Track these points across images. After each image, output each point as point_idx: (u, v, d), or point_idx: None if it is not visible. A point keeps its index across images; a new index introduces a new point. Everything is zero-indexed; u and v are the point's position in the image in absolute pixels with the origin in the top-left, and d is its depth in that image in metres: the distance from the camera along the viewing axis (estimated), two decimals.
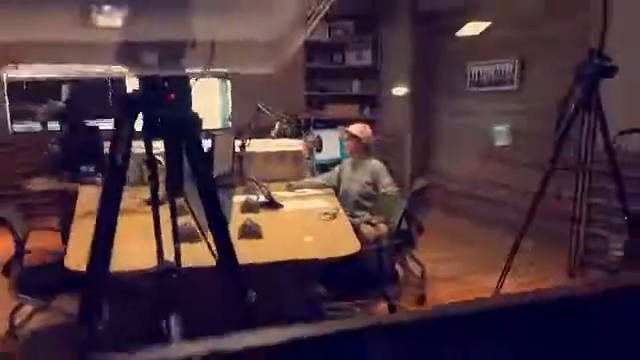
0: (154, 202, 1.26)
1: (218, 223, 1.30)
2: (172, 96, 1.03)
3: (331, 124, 4.88)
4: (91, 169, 3.72)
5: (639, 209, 2.85)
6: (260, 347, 0.68)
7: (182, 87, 1.05)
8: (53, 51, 1.24)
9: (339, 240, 2.42)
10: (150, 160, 1.24)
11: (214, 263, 1.30)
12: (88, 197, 3.14)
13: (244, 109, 4.11)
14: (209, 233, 1.26)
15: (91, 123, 4.23)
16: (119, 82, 5.27)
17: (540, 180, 2.86)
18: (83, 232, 2.55)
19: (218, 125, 5.72)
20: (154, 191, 1.25)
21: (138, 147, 1.34)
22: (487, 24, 3.74)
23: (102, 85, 5.49)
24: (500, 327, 0.77)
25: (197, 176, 1.26)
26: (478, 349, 0.74)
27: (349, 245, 2.32)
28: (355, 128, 3.35)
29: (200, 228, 1.35)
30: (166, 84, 1.03)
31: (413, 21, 5.40)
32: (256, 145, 3.63)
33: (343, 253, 2.24)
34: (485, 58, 4.67)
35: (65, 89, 4.95)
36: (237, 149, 3.51)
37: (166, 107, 1.04)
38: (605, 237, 3.39)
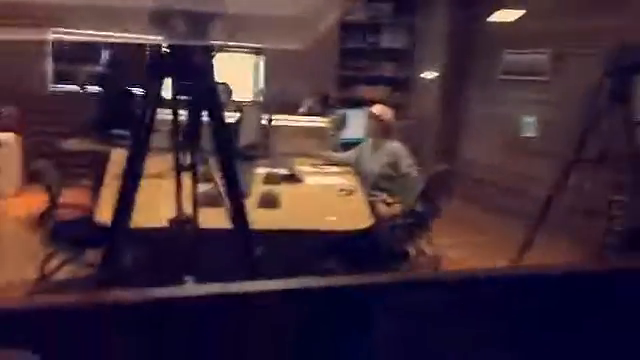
0: (177, 159, 1.36)
1: (234, 190, 1.39)
2: (196, 62, 1.11)
3: (361, 104, 4.91)
4: (124, 132, 3.86)
5: None
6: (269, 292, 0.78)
7: (207, 55, 1.12)
8: (93, 15, 1.34)
9: (353, 214, 2.50)
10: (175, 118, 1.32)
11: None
12: (119, 159, 3.28)
13: (276, 84, 4.18)
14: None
15: (127, 88, 4.38)
16: (157, 50, 5.39)
17: (561, 171, 2.86)
18: (113, 190, 2.70)
19: (249, 97, 5.81)
20: (177, 148, 1.34)
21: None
22: (521, 12, 3.69)
23: (140, 52, 5.62)
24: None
25: (217, 143, 1.35)
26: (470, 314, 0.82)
27: (363, 219, 2.39)
28: (377, 109, 3.40)
29: (221, 194, 1.44)
30: (194, 51, 1.11)
31: (450, 5, 5.35)
32: (283, 120, 3.72)
33: (356, 226, 2.32)
34: (520, 47, 4.61)
35: (105, 54, 5.11)
36: (264, 122, 3.60)
37: (191, 72, 1.12)
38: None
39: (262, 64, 5.76)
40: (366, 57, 6.07)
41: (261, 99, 5.79)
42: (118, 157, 3.39)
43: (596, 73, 2.89)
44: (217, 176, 1.59)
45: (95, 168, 3.75)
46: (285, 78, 3.60)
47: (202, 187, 1.65)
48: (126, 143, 3.92)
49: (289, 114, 3.77)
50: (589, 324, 0.87)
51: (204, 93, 1.20)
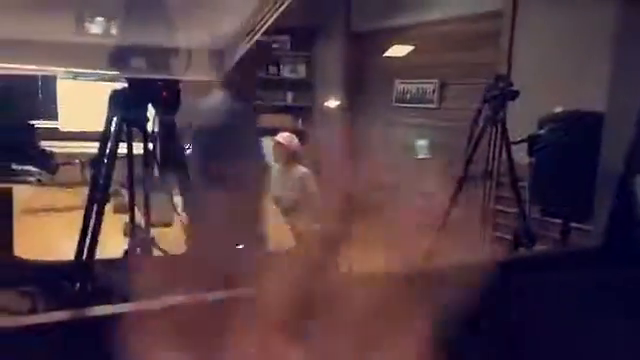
0: (131, 187, 1.43)
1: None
2: (164, 94, 1.22)
3: (265, 133, 5.09)
4: (25, 168, 3.69)
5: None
6: None
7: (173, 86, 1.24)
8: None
9: (277, 235, 2.65)
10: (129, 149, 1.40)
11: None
12: (25, 196, 3.16)
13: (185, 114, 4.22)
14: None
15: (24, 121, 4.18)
16: (50, 82, 5.19)
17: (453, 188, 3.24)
18: (27, 227, 2.62)
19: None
20: (131, 175, 1.42)
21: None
22: (411, 48, 4.16)
23: (32, 84, 5.37)
24: None
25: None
26: None
27: (288, 241, 2.55)
28: (281, 137, 3.60)
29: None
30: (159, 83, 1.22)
31: (346, 40, 5.77)
32: None
33: (282, 247, 2.47)
34: (410, 77, 5.11)
35: None
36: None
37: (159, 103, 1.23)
38: (509, 240, 3.85)
39: None
40: (267, 87, 6.30)
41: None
42: (22, 194, 3.25)
43: (476, 100, 3.35)
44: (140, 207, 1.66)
45: None
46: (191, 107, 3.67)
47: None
48: (25, 179, 3.75)
49: None
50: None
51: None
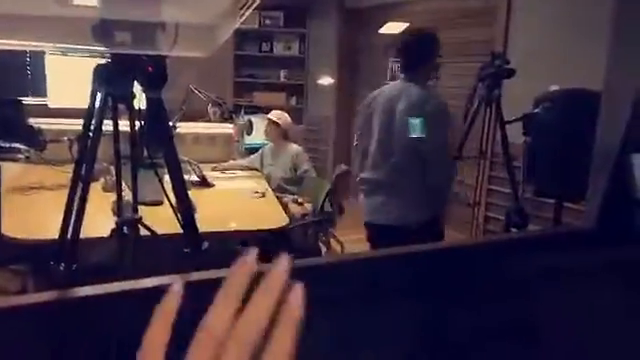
0: (118, 164, 1.40)
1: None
2: (150, 69, 1.18)
3: (259, 110, 5.05)
4: (13, 145, 3.63)
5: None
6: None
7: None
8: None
9: (269, 215, 2.64)
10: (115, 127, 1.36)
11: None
12: (12, 173, 3.12)
13: (175, 92, 4.17)
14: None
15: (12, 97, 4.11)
16: (39, 59, 5.09)
17: None
18: (15, 205, 2.58)
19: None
20: (117, 152, 1.38)
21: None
22: (405, 25, 4.09)
23: (21, 61, 5.28)
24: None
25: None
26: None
27: (279, 219, 2.54)
28: (274, 114, 3.59)
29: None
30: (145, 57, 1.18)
31: (339, 16, 5.68)
32: (187, 126, 3.74)
33: (273, 226, 2.46)
34: None
35: None
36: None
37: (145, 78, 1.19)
38: (502, 220, 3.85)
39: None
40: (260, 64, 6.22)
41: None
42: (9, 172, 3.21)
43: (471, 79, 3.30)
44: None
45: None
46: (184, 85, 3.62)
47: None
48: (15, 157, 3.70)
49: (193, 121, 3.80)
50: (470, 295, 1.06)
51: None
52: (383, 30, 4.44)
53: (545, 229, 2.69)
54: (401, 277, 0.99)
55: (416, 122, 2.40)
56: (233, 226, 2.42)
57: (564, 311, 1.12)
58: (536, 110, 2.56)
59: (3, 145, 3.62)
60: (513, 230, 2.88)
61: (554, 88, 2.77)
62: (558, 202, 2.63)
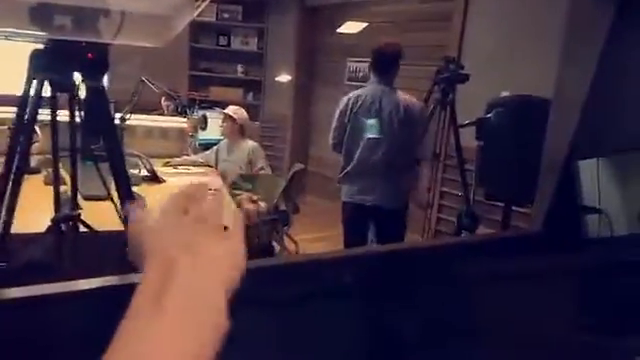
0: (55, 156, 1.32)
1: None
2: (90, 55, 1.11)
3: (215, 105, 4.95)
4: None
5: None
6: None
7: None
8: None
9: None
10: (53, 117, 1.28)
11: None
12: None
13: (126, 83, 4.03)
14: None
15: None
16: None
17: None
18: None
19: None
20: (55, 144, 1.30)
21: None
22: (364, 25, 4.11)
23: None
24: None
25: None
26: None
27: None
28: (230, 109, 3.52)
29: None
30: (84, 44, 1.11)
31: (299, 13, 5.64)
32: (138, 119, 3.61)
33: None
34: (362, 56, 5.05)
35: None
36: (117, 121, 3.46)
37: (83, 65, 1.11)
38: (453, 221, 3.92)
39: None
40: (217, 58, 6.10)
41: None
42: None
43: (427, 82, 3.34)
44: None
45: None
46: (135, 76, 3.49)
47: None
48: None
49: (146, 114, 3.68)
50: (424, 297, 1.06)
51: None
52: (342, 29, 4.43)
53: (493, 233, 2.74)
54: (349, 278, 0.98)
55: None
56: None
57: (509, 314, 1.13)
58: (488, 115, 2.60)
59: None
60: (463, 233, 2.93)
61: (505, 94, 2.83)
62: (507, 206, 2.69)
